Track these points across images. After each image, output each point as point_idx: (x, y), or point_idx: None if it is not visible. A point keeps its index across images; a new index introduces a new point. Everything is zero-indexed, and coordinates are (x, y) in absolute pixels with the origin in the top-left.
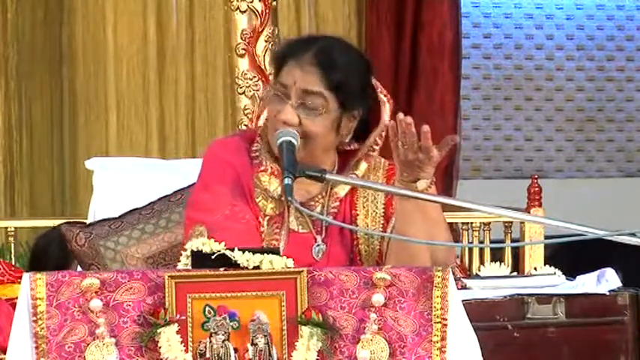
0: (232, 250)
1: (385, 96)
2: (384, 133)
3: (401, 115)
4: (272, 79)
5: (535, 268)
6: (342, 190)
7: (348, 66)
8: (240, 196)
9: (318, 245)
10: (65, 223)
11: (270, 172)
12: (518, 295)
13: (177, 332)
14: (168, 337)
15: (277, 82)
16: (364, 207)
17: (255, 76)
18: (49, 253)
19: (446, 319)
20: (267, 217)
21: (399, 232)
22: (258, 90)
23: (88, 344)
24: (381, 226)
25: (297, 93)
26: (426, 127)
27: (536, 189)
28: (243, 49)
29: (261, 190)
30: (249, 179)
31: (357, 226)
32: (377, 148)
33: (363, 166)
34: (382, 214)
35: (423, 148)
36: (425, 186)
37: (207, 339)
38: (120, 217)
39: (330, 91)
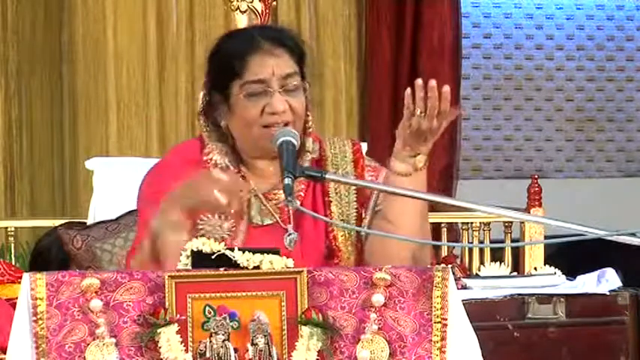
0: (232, 250)
1: None
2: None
3: (420, 81)
4: (235, 82)
5: (535, 268)
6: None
7: (296, 37)
8: None
9: (289, 235)
10: (64, 224)
11: (225, 169)
12: (519, 295)
13: (177, 332)
14: (168, 337)
15: (248, 82)
16: (336, 193)
17: None
18: (51, 254)
19: (446, 319)
20: (225, 214)
21: (387, 215)
22: None
23: (88, 344)
24: (355, 211)
25: (279, 81)
26: (446, 87)
27: (536, 189)
28: None
29: None
30: None
31: (330, 212)
32: (309, 120)
33: (309, 140)
34: (354, 199)
35: (442, 113)
36: (423, 162)
37: (208, 339)
38: (117, 219)
39: (298, 65)
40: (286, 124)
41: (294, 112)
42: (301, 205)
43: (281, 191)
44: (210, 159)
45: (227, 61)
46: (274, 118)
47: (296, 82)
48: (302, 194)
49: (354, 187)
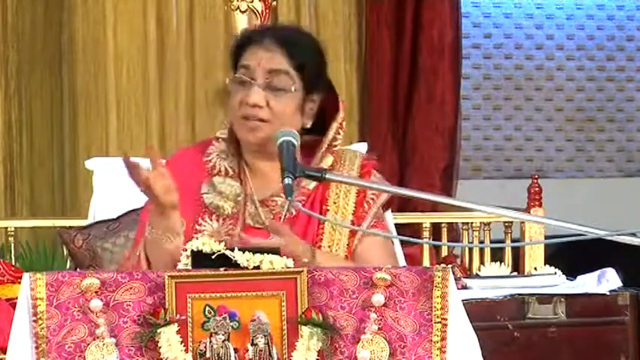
0: (232, 250)
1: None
2: (343, 124)
3: None
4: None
5: (535, 268)
6: (310, 184)
7: (309, 47)
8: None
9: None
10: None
11: (224, 173)
12: (519, 295)
13: (177, 332)
14: (168, 337)
15: (239, 67)
16: (335, 203)
17: None
18: None
19: (446, 319)
20: (223, 217)
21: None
22: None
23: (88, 344)
24: (348, 230)
25: (263, 73)
26: None
27: (536, 189)
28: None
29: (216, 193)
30: (196, 190)
31: (323, 230)
32: (339, 139)
33: (329, 159)
34: (352, 212)
35: None
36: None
37: (208, 339)
38: (117, 218)
39: (295, 70)
40: (262, 121)
41: (273, 113)
42: (297, 218)
43: (279, 199)
44: (209, 161)
45: (232, 53)
46: (249, 110)
47: (285, 81)
48: (300, 204)
49: (354, 202)
